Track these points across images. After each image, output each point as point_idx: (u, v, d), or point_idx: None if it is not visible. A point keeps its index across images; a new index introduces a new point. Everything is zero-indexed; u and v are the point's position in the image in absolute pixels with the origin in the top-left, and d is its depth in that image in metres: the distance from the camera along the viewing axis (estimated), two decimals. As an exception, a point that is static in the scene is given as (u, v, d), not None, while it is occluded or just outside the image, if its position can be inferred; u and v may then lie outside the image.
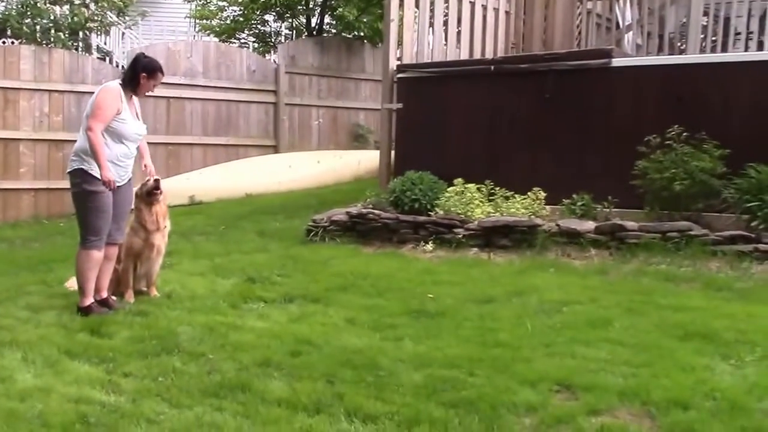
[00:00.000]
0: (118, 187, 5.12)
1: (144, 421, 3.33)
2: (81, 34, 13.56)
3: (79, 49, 13.37)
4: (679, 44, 11.16)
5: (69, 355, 4.25)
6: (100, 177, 4.98)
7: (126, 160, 5.24)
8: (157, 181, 5.55)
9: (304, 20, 15.95)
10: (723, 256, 6.17)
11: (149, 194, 5.55)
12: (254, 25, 16.23)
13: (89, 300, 5.11)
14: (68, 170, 5.14)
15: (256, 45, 16.36)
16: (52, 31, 12.89)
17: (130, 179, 5.36)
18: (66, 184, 12.23)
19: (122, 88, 5.16)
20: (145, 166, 5.56)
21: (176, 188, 10.91)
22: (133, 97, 5.31)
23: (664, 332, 4.54)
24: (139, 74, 5.20)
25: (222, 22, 16.13)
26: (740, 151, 6.67)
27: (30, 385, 3.84)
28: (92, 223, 5.07)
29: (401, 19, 9.08)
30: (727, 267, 6.00)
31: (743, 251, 6.14)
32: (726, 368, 3.93)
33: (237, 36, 16.25)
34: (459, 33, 9.63)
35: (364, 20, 14.91)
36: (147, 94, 5.41)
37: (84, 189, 5.02)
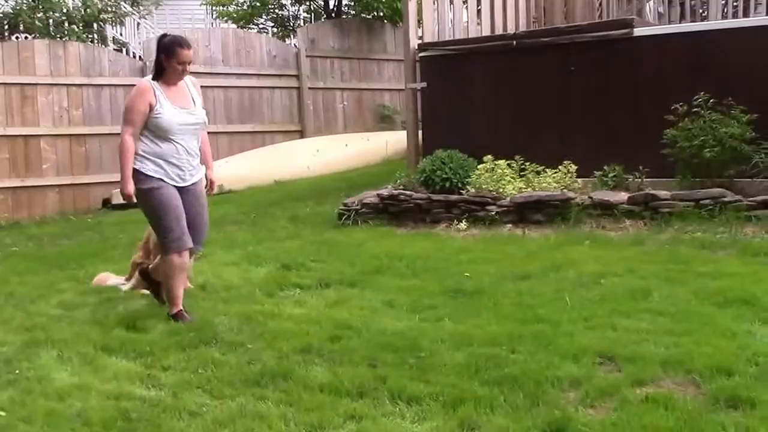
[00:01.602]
0: (180, 188, 4.72)
1: (186, 414, 3.34)
2: (95, 26, 13.60)
3: (95, 41, 13.41)
4: (700, 11, 10.94)
5: (106, 351, 4.25)
6: (150, 174, 4.65)
7: (184, 156, 4.73)
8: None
9: (322, 2, 15.88)
10: (758, 221, 6.10)
11: None
12: (272, 10, 16.18)
13: (177, 307, 4.78)
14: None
15: (275, 30, 16.32)
16: (66, 24, 12.92)
17: (199, 181, 4.87)
18: (91, 177, 12.34)
19: (155, 80, 4.71)
20: (208, 180, 5.03)
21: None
22: (184, 84, 4.81)
23: (703, 300, 4.50)
24: (161, 58, 4.69)
25: (239, 7, 16.09)
26: (768, 115, 6.56)
27: (68, 384, 3.81)
28: (160, 224, 4.71)
29: (420, -3, 9.00)
30: (763, 231, 5.92)
31: (779, 215, 6.04)
32: (767, 332, 3.89)
33: (255, 21, 16.22)
34: (479, 10, 9.51)
35: (383, 0, 14.80)
36: (183, 74, 4.75)
37: (139, 189, 4.67)
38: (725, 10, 10.76)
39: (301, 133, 13.25)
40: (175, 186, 4.70)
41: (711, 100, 6.71)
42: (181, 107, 4.71)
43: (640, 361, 3.56)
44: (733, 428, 2.88)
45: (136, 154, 4.65)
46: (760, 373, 3.35)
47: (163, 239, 4.72)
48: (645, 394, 3.25)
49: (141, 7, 15.93)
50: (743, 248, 5.63)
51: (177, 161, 4.70)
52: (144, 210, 4.80)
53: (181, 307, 4.80)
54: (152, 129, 4.65)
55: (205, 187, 5.00)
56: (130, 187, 4.63)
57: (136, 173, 4.66)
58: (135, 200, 4.70)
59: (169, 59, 4.67)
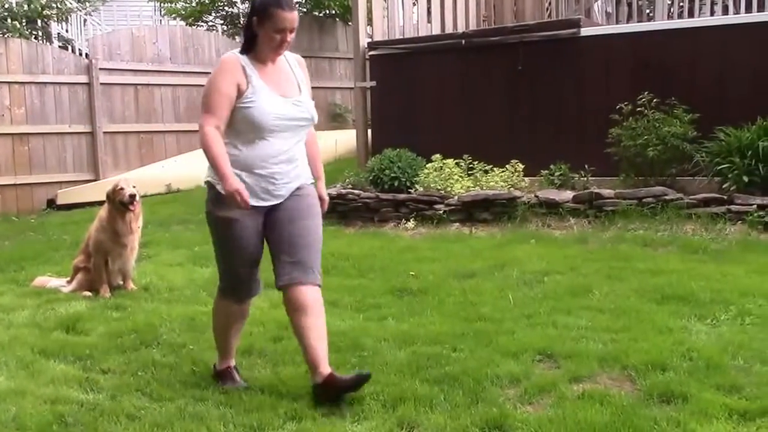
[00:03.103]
0: (270, 207, 3.37)
1: (124, 417, 3.28)
2: (39, 22, 13.29)
3: (39, 38, 13.10)
4: (647, 11, 11.17)
5: (44, 355, 4.14)
6: (224, 192, 3.22)
7: (277, 165, 3.32)
8: (133, 196, 5.29)
9: (273, 1, 15.76)
10: (698, 219, 6.25)
11: (123, 205, 5.33)
12: (221, 7, 16.02)
13: (225, 362, 3.64)
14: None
15: (224, 28, 16.16)
16: (8, 20, 12.60)
17: (300, 188, 3.42)
18: (34, 177, 12.08)
19: (245, 55, 3.32)
20: (319, 197, 3.57)
21: (152, 177, 10.84)
22: (285, 63, 3.44)
23: (642, 296, 4.60)
24: (251, 23, 3.29)
25: (187, 5, 15.89)
26: (709, 115, 6.74)
27: (3, 388, 3.70)
28: (222, 263, 3.48)
29: (370, -4, 9.00)
30: (702, 229, 6.08)
31: (717, 213, 6.22)
32: (702, 328, 4.03)
33: (204, 19, 16.04)
34: (429, 8, 9.55)
35: (334, -3, 14.78)
36: (282, 47, 3.32)
37: (209, 212, 3.39)
38: (671, 10, 11.00)
39: (251, 132, 13.13)
40: (262, 206, 3.34)
41: (655, 100, 6.86)
42: (282, 95, 3.33)
43: (578, 358, 3.62)
44: (665, 422, 2.94)
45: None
46: (694, 368, 3.44)
47: (221, 279, 3.56)
48: (582, 390, 3.30)
49: (87, 4, 15.62)
50: (683, 245, 5.77)
51: (268, 172, 3.30)
52: (211, 234, 3.50)
53: (232, 364, 3.65)
54: (237, 125, 3.28)
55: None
56: (234, 182, 3.19)
57: (211, 189, 3.35)
58: (246, 197, 3.21)
59: (262, 23, 3.25)
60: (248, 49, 3.33)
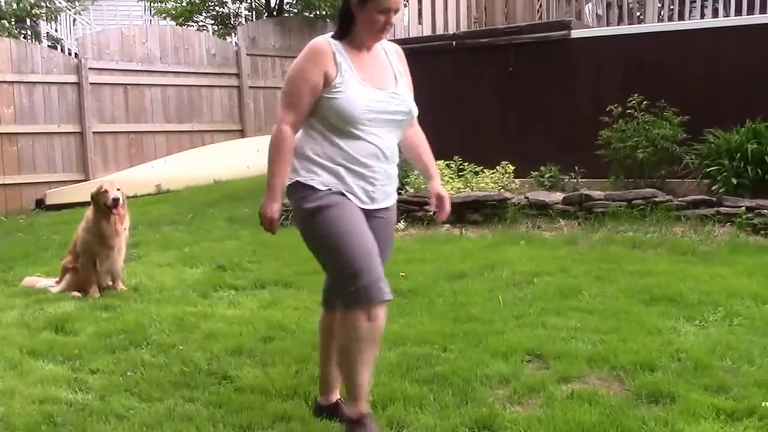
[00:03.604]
0: (367, 211, 2.92)
1: (113, 417, 3.27)
2: (28, 21, 13.24)
3: (28, 37, 13.05)
4: (638, 14, 11.21)
5: (33, 355, 4.12)
6: (320, 186, 2.85)
7: (376, 163, 2.91)
8: (116, 200, 5.25)
9: (263, 0, 15.76)
10: (686, 221, 6.28)
11: (108, 208, 5.29)
12: (212, 7, 16.01)
13: (360, 406, 2.91)
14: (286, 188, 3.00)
15: (215, 28, 16.14)
16: (-3, 20, 12.59)
17: (388, 209, 3.04)
18: (23, 177, 12.08)
19: (337, 40, 2.92)
20: (436, 196, 3.17)
21: (141, 178, 10.82)
22: (382, 51, 3.03)
23: (631, 298, 4.62)
24: (351, 4, 2.87)
25: (178, 4, 15.86)
26: (699, 118, 6.78)
27: None
28: (337, 258, 2.82)
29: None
30: (691, 231, 6.11)
31: (705, 215, 6.26)
32: (690, 329, 4.05)
33: (194, 19, 16.02)
34: (420, 10, 9.56)
35: (325, -2, 14.79)
36: (384, 31, 2.92)
37: (302, 211, 2.88)
38: (662, 13, 11.05)
39: (242, 133, 13.14)
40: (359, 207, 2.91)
41: (645, 102, 6.89)
42: (376, 86, 2.92)
43: (567, 359, 3.63)
44: (654, 422, 2.95)
45: (300, 155, 2.91)
46: (682, 369, 3.46)
47: (342, 284, 2.83)
48: (571, 390, 3.31)
49: (76, 3, 15.57)
50: (672, 247, 5.80)
51: (365, 170, 2.89)
52: (309, 242, 2.95)
53: (366, 410, 2.94)
54: (327, 116, 2.87)
55: (434, 208, 3.22)
56: (276, 207, 2.88)
57: (298, 188, 2.89)
58: (274, 228, 2.94)
59: (363, 3, 2.84)
60: (343, 34, 2.92)
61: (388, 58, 3.04)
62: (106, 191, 5.30)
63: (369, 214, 2.93)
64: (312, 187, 2.85)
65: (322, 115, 2.87)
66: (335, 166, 2.87)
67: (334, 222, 2.82)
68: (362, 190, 2.91)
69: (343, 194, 2.86)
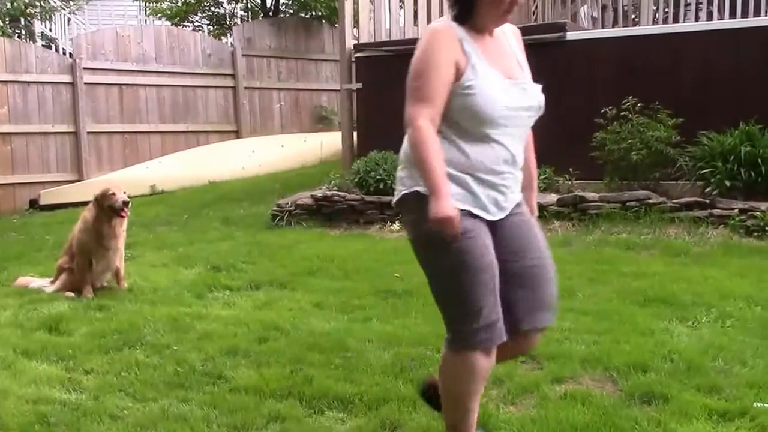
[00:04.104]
0: (491, 224, 2.55)
1: (107, 417, 3.27)
2: (22, 21, 13.22)
3: (22, 36, 13.03)
4: (633, 16, 11.25)
5: (26, 355, 4.11)
6: (464, 204, 2.47)
7: (506, 167, 2.56)
8: (126, 203, 5.24)
9: (259, 1, 15.76)
10: (680, 223, 6.30)
11: (113, 210, 5.26)
12: (207, 7, 16.00)
13: None
14: (393, 201, 2.69)
15: (210, 28, 16.13)
16: (-8, 19, 12.58)
17: (519, 205, 2.67)
18: (17, 177, 12.12)
19: (461, 26, 2.53)
20: (528, 206, 2.76)
21: (136, 178, 10.80)
22: (502, 35, 2.65)
23: (625, 299, 4.64)
24: None
25: (173, 4, 15.85)
26: (693, 120, 6.81)
27: None
28: (457, 295, 2.53)
29: (356, -2, 9.03)
30: (685, 233, 6.13)
31: (699, 217, 6.28)
32: (683, 330, 4.06)
33: (190, 19, 16.01)
34: (416, 11, 9.58)
35: (321, -1, 14.81)
36: (509, 13, 2.54)
37: (426, 229, 2.41)
38: (656, 16, 11.09)
39: (237, 134, 13.14)
40: (487, 222, 2.55)
41: (639, 104, 6.91)
42: (507, 77, 2.56)
43: (560, 359, 3.64)
44: (646, 422, 2.97)
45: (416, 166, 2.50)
46: (675, 370, 3.47)
47: (459, 322, 2.57)
48: (564, 390, 3.33)
49: (71, 3, 15.55)
50: (665, 249, 5.82)
51: (496, 177, 2.54)
52: (428, 266, 2.61)
53: None
54: (455, 116, 2.50)
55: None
56: (449, 204, 2.35)
57: (420, 201, 2.46)
58: (457, 227, 2.38)
59: None
60: (464, 16, 2.52)
61: (508, 42, 2.66)
62: (113, 194, 5.26)
63: (497, 224, 2.56)
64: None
65: (447, 117, 2.48)
66: (462, 175, 2.48)
67: (462, 253, 2.45)
68: (492, 201, 2.54)
69: (472, 212, 2.48)
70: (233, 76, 13.16)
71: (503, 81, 2.51)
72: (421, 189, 2.47)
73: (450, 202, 2.35)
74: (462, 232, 2.40)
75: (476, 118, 2.47)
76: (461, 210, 2.42)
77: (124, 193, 5.31)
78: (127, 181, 9.23)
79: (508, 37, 2.68)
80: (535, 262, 2.63)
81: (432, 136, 2.41)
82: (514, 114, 2.52)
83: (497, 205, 2.56)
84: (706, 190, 6.54)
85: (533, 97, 2.60)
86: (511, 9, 2.52)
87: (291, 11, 15.81)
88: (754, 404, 3.09)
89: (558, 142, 7.58)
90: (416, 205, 2.49)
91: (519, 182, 2.65)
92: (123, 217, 5.30)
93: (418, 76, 2.48)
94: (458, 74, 2.46)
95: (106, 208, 5.30)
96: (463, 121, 2.48)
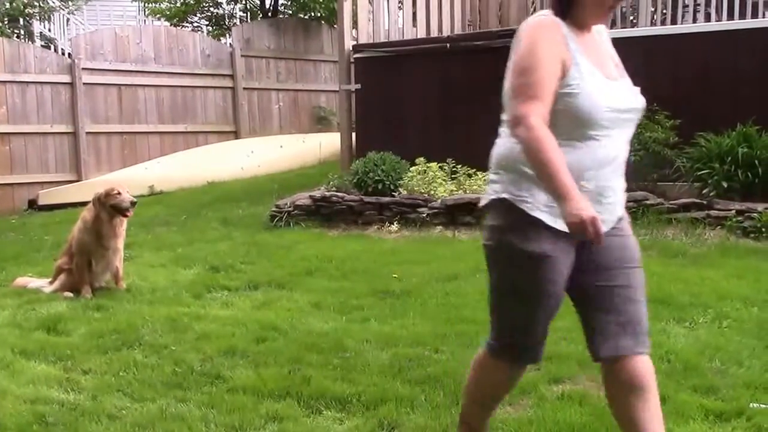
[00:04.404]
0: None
1: (105, 417, 3.28)
2: (21, 21, 13.22)
3: (21, 36, 13.02)
4: (631, 18, 11.26)
5: (24, 355, 4.12)
6: (541, 218, 2.33)
7: (611, 177, 2.40)
8: (134, 203, 5.26)
9: (258, 2, 15.77)
10: (678, 224, 6.32)
11: (117, 210, 5.26)
12: (206, 8, 16.00)
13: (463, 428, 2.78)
14: (480, 205, 2.57)
15: (209, 28, 16.13)
16: (-10, 18, 12.58)
17: (621, 219, 2.48)
18: (15, 177, 12.13)
19: (561, 18, 2.38)
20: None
21: (134, 178, 10.79)
22: (595, 33, 2.49)
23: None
24: None
25: (172, 5, 15.86)
26: (690, 121, 6.82)
27: None
28: (514, 315, 2.50)
29: (356, -1, 9.04)
30: (682, 234, 6.14)
31: (696, 218, 6.29)
32: (680, 331, 4.08)
33: (189, 20, 16.00)
34: (415, 12, 9.60)
35: (320, 0, 14.80)
36: (614, 5, 2.44)
37: (507, 243, 2.40)
38: (654, 17, 11.10)
39: (236, 134, 13.14)
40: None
41: (636, 106, 6.93)
42: (608, 77, 2.42)
43: (558, 360, 3.65)
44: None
45: (507, 167, 2.41)
46: (671, 370, 3.49)
47: (508, 336, 2.54)
48: (561, 391, 3.35)
49: (70, 3, 15.55)
50: (663, 249, 5.83)
51: (597, 186, 2.35)
52: (498, 275, 2.52)
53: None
54: (555, 117, 2.29)
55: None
56: (587, 204, 2.15)
57: (512, 210, 2.37)
58: (601, 229, 2.15)
59: None
60: (565, 10, 2.37)
61: (602, 39, 2.51)
62: (119, 193, 5.26)
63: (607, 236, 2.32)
64: (531, 218, 2.32)
65: (549, 121, 2.27)
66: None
67: (537, 276, 2.36)
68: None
69: (558, 234, 2.30)
70: (232, 76, 13.16)
71: (606, 81, 2.39)
72: (507, 196, 2.37)
73: (587, 203, 2.15)
74: (541, 254, 2.32)
75: (578, 119, 2.32)
76: (551, 230, 2.30)
77: (127, 192, 5.33)
78: (126, 181, 9.18)
79: (602, 34, 2.53)
80: (627, 281, 2.42)
81: (549, 134, 2.21)
82: (617, 116, 2.37)
83: (603, 215, 2.30)
84: (704, 191, 6.56)
85: (636, 100, 2.46)
86: (616, 5, 2.44)
87: (290, 12, 15.82)
88: (750, 405, 3.11)
89: (556, 143, 7.64)
90: (501, 212, 2.40)
91: (621, 191, 2.45)
92: (127, 216, 5.32)
93: (524, 72, 2.29)
94: (563, 73, 2.31)
95: (110, 207, 5.30)
96: (565, 122, 2.32)
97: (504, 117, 2.43)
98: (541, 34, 2.32)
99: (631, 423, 2.43)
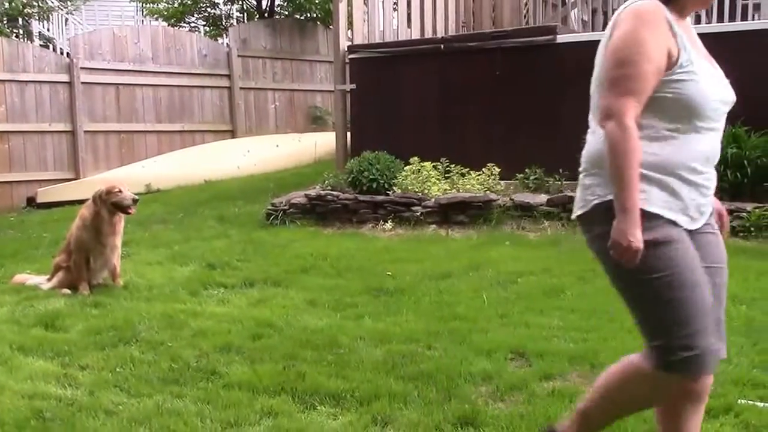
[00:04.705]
0: (696, 234, 2.26)
1: (102, 412, 3.31)
2: (20, 20, 13.23)
3: (20, 36, 13.04)
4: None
5: (22, 351, 4.15)
6: (656, 210, 2.18)
7: (707, 167, 2.29)
8: (136, 201, 5.32)
9: (255, 2, 15.79)
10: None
11: (119, 208, 5.30)
12: (203, 8, 16.01)
13: None
14: (577, 212, 2.37)
15: (206, 29, 16.15)
16: (-11, 18, 12.60)
17: (712, 215, 2.38)
18: (14, 175, 12.17)
19: (666, 5, 2.23)
20: (718, 212, 2.44)
21: (132, 177, 10.81)
22: (689, 23, 2.40)
23: (612, 297, 4.60)
24: None
25: (170, 5, 15.87)
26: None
27: None
28: (674, 315, 2.20)
29: (351, 0, 9.09)
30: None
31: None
32: (671, 329, 4.11)
33: (186, 20, 16.01)
34: (409, 14, 9.65)
35: (316, 1, 14.83)
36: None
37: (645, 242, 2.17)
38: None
39: (232, 133, 13.17)
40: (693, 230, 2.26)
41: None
42: (710, 65, 2.33)
43: (549, 357, 3.71)
44: (633, 418, 3.02)
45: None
46: (660, 367, 3.54)
47: (670, 345, 2.21)
48: (552, 387, 3.39)
49: (69, 3, 15.56)
50: (653, 248, 5.89)
51: (699, 177, 2.26)
52: (629, 282, 2.28)
53: None
54: (662, 106, 2.20)
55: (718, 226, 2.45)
56: (640, 234, 2.11)
57: (612, 211, 2.18)
58: (637, 259, 2.12)
59: None
60: None
61: (692, 31, 2.34)
62: (120, 191, 5.31)
63: (695, 233, 2.25)
64: (647, 211, 2.14)
65: (653, 106, 2.17)
66: (667, 177, 2.18)
67: (671, 265, 2.16)
68: (695, 206, 2.23)
69: (676, 222, 2.19)
70: (229, 76, 13.19)
71: (712, 71, 2.27)
72: (613, 197, 2.17)
73: (637, 230, 2.09)
74: (671, 240, 2.15)
75: (688, 109, 2.18)
76: (665, 218, 2.16)
77: (128, 190, 5.37)
78: (124, 179, 9.25)
79: (690, 23, 2.38)
80: (718, 280, 2.32)
81: (639, 141, 2.12)
82: (722, 108, 2.27)
83: (699, 211, 2.25)
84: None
85: (731, 91, 2.34)
86: None
87: (286, 13, 15.84)
88: (738, 401, 3.15)
89: (548, 143, 7.68)
90: (611, 217, 2.15)
91: (714, 185, 2.32)
92: (130, 213, 5.36)
93: (625, 63, 2.16)
94: (670, 61, 2.17)
95: (111, 205, 5.34)
96: (675, 112, 2.18)
97: (594, 106, 2.31)
98: (642, 23, 2.17)
99: (682, 425, 2.35)
